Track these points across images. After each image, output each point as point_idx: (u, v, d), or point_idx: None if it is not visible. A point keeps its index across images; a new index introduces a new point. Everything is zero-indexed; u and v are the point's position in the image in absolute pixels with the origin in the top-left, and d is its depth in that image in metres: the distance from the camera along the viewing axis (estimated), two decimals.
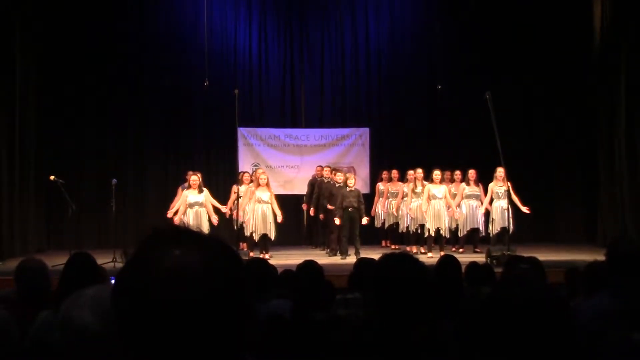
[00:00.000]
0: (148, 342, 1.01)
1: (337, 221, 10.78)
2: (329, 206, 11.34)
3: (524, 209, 10.72)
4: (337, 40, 13.93)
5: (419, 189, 11.06)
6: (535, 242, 12.15)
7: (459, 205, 11.35)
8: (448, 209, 11.05)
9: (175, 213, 10.37)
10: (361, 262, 5.05)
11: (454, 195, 11.39)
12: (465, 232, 11.51)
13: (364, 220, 10.94)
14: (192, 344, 1.01)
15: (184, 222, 9.98)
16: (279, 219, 10.79)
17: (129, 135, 13.13)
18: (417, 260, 2.29)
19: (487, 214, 11.19)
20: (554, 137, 13.25)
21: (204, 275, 1.03)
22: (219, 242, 1.09)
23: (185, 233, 1.09)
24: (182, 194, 10.70)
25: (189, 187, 10.44)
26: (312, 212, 11.88)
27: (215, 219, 10.44)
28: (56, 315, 2.73)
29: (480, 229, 11.36)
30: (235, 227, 10.67)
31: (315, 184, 11.96)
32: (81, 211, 11.49)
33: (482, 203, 11.33)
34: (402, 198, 11.55)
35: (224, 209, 10.85)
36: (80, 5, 12.55)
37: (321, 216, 11.64)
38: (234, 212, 10.73)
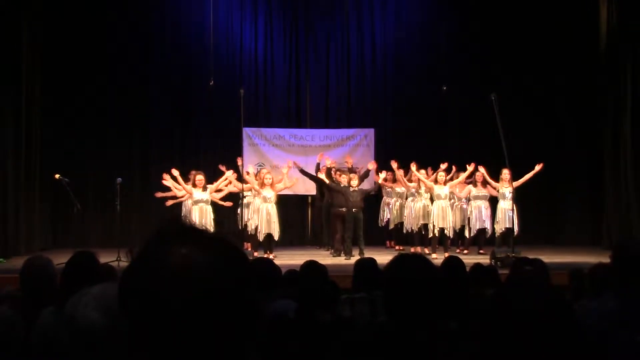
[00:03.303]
0: (155, 341, 1.01)
1: (321, 174, 11.15)
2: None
3: (537, 168, 10.65)
4: (342, 40, 13.94)
5: (422, 189, 11.12)
6: (540, 244, 12.13)
7: (468, 200, 11.41)
8: (453, 204, 11.19)
9: (176, 198, 10.57)
10: (361, 262, 5.06)
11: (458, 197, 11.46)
12: (474, 234, 11.53)
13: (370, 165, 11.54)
14: (199, 343, 1.01)
15: (189, 220, 9.98)
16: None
17: (134, 135, 13.16)
18: (429, 261, 2.30)
19: (494, 213, 11.21)
20: (559, 138, 13.23)
21: (210, 274, 1.02)
22: (225, 241, 1.09)
23: (191, 231, 1.08)
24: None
25: (194, 186, 10.46)
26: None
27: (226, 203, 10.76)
28: (60, 313, 2.73)
29: (487, 228, 11.35)
30: (240, 227, 10.69)
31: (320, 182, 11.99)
32: (86, 210, 11.52)
33: (489, 204, 11.35)
34: (406, 199, 11.61)
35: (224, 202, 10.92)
36: (86, 3, 12.58)
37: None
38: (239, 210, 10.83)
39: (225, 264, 1.05)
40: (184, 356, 1.01)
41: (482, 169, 11.12)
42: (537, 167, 10.68)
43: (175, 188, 10.48)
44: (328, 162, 11.94)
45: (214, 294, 1.01)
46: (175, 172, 10.36)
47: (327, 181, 11.24)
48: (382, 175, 11.68)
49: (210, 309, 1.01)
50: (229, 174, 10.63)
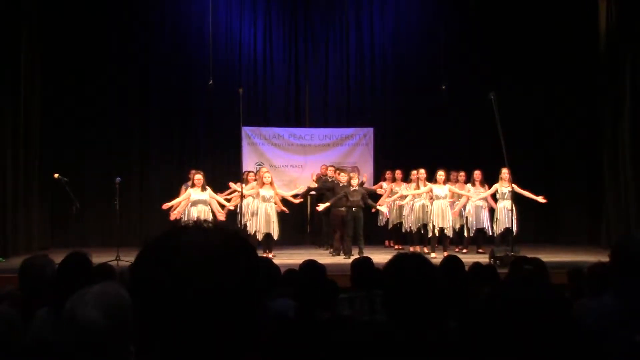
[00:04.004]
0: (165, 321, 1.02)
1: (320, 207, 10.98)
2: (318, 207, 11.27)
3: (540, 199, 10.69)
4: (342, 39, 13.94)
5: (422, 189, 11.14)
6: (539, 243, 12.14)
7: (464, 206, 11.41)
8: (454, 203, 11.15)
9: (174, 208, 10.39)
10: (357, 262, 5.07)
11: (458, 197, 11.46)
12: (472, 234, 11.54)
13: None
14: (207, 329, 1.02)
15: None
16: (280, 208, 10.90)
17: (133, 134, 13.15)
18: (428, 261, 2.30)
19: (492, 213, 11.21)
20: (558, 137, 13.23)
21: (224, 253, 1.06)
22: (232, 231, 1.14)
23: (203, 223, 1.14)
24: (185, 192, 10.68)
25: (193, 185, 10.43)
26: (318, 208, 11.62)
27: (222, 215, 10.45)
28: (56, 313, 2.73)
29: (486, 228, 11.35)
30: (239, 226, 10.68)
31: (320, 183, 12.00)
32: (85, 210, 11.50)
33: (488, 203, 11.35)
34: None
35: (230, 205, 10.85)
36: (86, 3, 12.57)
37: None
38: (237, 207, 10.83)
39: (238, 246, 1.09)
40: (191, 346, 1.01)
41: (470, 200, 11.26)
42: (541, 199, 10.68)
43: (177, 203, 10.43)
44: (312, 183, 12.16)
45: (229, 273, 1.04)
46: (167, 205, 10.32)
47: (328, 204, 11.15)
48: (385, 209, 11.76)
49: (224, 288, 1.03)
50: (230, 204, 10.71)
